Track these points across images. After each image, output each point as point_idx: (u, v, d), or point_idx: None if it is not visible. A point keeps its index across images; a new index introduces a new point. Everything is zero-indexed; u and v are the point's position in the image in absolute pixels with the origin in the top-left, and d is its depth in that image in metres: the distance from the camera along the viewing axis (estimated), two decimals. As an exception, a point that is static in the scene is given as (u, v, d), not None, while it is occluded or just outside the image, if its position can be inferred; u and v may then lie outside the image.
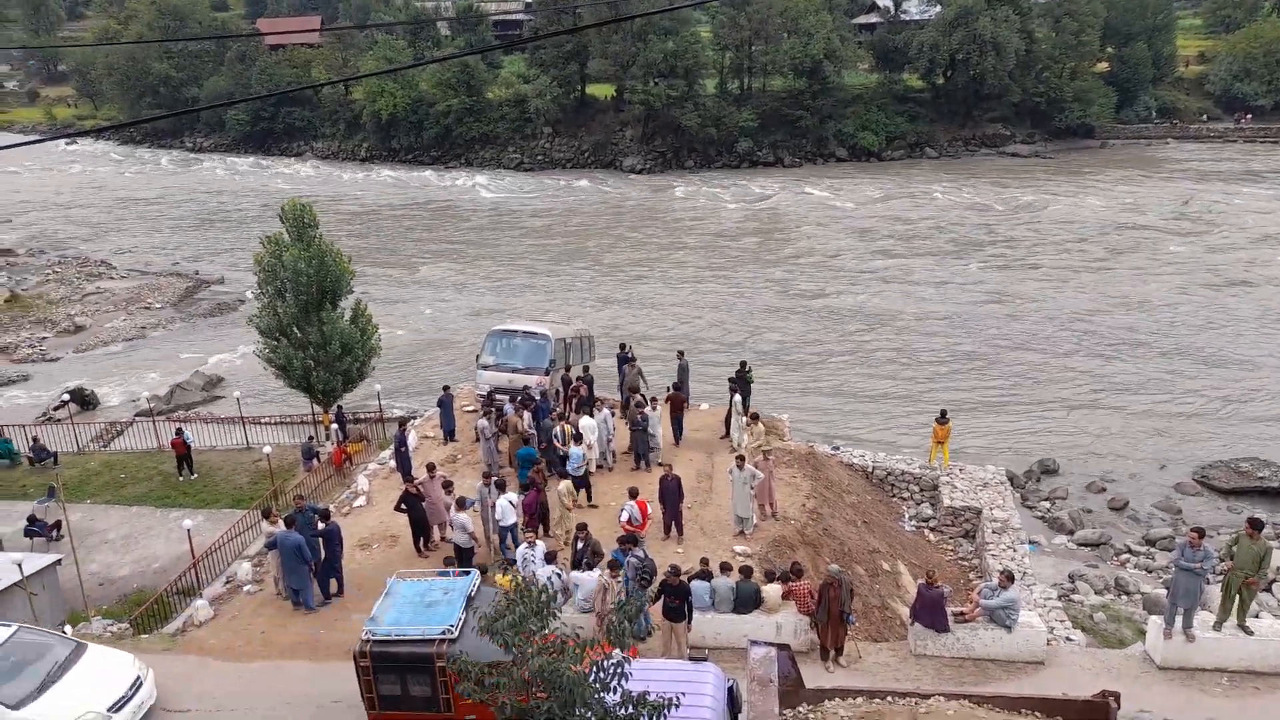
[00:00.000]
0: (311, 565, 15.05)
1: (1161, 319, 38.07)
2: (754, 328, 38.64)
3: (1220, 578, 13.45)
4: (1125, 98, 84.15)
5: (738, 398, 21.39)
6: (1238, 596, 12.43)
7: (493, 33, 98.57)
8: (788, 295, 43.08)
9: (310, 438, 24.85)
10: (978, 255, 49.14)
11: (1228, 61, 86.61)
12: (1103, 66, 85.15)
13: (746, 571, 13.76)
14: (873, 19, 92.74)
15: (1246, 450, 26.27)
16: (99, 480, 23.65)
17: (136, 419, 28.52)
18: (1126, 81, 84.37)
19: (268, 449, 22.48)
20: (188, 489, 23.06)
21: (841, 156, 79.84)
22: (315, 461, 22.88)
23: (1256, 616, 13.72)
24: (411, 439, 20.39)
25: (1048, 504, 24.49)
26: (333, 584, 15.52)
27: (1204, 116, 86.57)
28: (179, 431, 23.80)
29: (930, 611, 13.08)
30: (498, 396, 22.16)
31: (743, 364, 23.21)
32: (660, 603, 12.87)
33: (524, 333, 24.03)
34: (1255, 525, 12.24)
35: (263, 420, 27.75)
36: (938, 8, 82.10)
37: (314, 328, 24.26)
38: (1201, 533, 12.30)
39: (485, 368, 23.59)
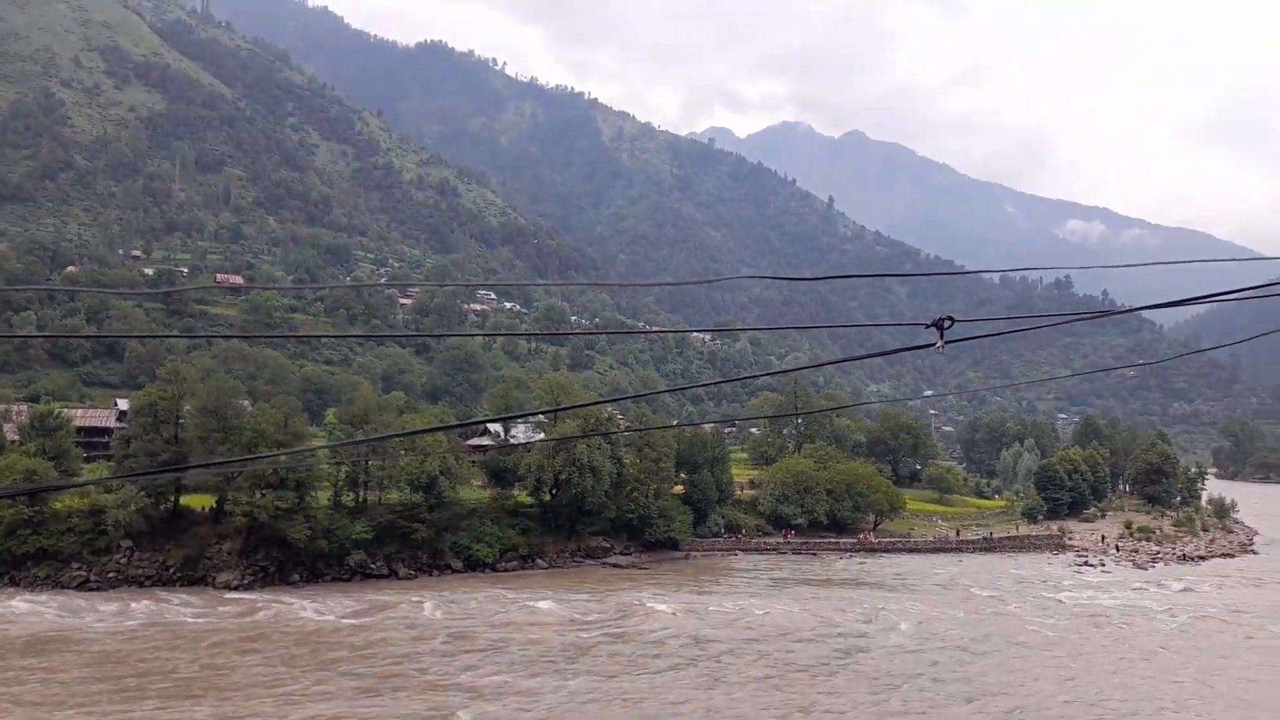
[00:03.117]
0: None
1: None
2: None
3: None
4: (699, 515, 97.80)
5: None
6: None
7: (75, 439, 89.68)
8: None
9: None
10: (583, 663, 50.33)
11: (771, 488, 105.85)
12: (679, 489, 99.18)
13: None
14: (485, 441, 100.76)
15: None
16: None
17: None
18: (699, 502, 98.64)
19: None
20: None
21: (457, 568, 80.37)
22: None
23: None
24: None
25: None
26: None
27: (760, 532, 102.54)
28: None
29: None
30: None
31: None
32: None
33: None
34: None
35: None
36: (541, 434, 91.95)
37: None
38: None
39: None
